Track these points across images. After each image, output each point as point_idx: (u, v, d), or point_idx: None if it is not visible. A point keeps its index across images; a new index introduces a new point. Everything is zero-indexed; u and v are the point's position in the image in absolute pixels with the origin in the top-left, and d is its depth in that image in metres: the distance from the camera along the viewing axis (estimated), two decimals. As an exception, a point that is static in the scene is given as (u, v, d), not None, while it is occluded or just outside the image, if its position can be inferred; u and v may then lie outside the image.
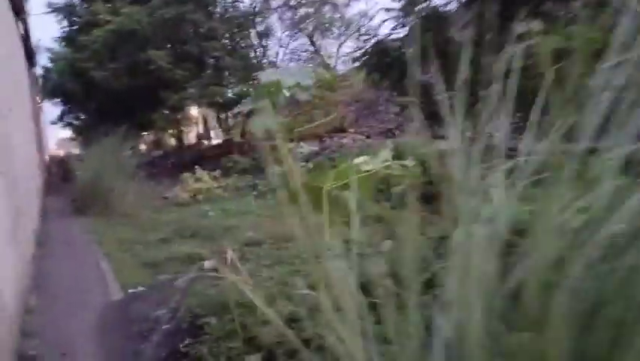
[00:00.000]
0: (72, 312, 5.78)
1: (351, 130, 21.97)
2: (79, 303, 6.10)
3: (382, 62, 10.06)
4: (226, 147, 26.68)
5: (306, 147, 17.15)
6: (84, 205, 14.29)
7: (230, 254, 4.19)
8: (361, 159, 3.35)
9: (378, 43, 10.15)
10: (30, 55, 16.69)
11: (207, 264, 6.69)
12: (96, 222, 12.29)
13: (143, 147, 36.48)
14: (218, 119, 28.11)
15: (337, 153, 15.60)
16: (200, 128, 33.24)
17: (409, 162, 3.12)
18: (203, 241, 9.38)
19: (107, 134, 15.44)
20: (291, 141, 19.84)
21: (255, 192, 15.75)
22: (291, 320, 3.80)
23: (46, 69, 29.99)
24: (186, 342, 4.13)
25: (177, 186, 19.51)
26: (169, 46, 20.98)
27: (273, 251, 7.33)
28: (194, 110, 32.89)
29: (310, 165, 15.33)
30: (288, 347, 3.40)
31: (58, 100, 30.13)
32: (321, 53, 23.16)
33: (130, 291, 6.52)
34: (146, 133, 36.88)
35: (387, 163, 3.20)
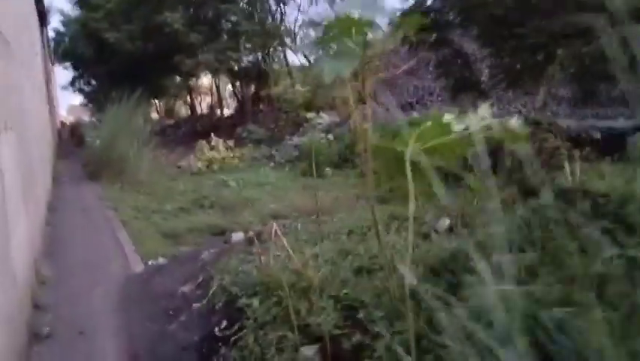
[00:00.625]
0: (89, 284, 5.29)
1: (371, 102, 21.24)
2: (96, 274, 5.61)
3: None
4: (240, 117, 26.09)
5: (326, 117, 16.49)
6: (97, 171, 13.80)
7: (274, 228, 3.62)
8: (448, 117, 2.76)
9: (417, 3, 9.46)
10: (41, 13, 16.03)
11: (235, 237, 6.16)
12: (110, 189, 11.80)
13: (154, 115, 35.98)
14: (233, 87, 27.36)
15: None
16: (214, 98, 32.54)
17: (516, 123, 2.54)
18: (223, 212, 8.88)
19: (119, 101, 14.85)
20: (308, 110, 19.23)
21: (272, 163, 15.22)
22: (351, 307, 3.29)
23: (58, 32, 29.35)
24: (223, 325, 3.62)
25: (191, 155, 19.00)
26: (184, 8, 20.16)
27: (305, 225, 6.77)
28: (207, 79, 32.20)
29: (330, 136, 14.77)
30: (349, 337, 2.89)
31: (69, 64, 29.57)
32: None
33: (151, 263, 6.03)
34: (157, 101, 36.36)
35: (486, 123, 2.62)
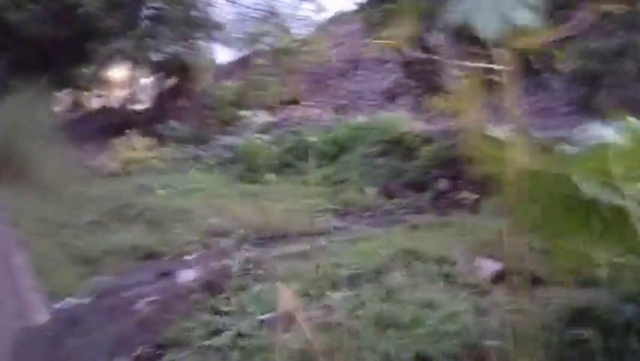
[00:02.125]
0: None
1: (303, 102, 19.99)
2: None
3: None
4: (158, 113, 23.95)
5: (262, 116, 15.07)
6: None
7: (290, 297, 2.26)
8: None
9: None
10: None
11: (184, 275, 4.69)
12: (7, 194, 9.75)
13: (59, 107, 32.72)
14: (153, 79, 25.13)
15: (302, 125, 13.66)
16: (127, 91, 30.03)
17: None
18: (150, 228, 7.28)
19: (21, 90, 12.66)
20: (238, 108, 17.70)
21: (199, 165, 13.56)
22: None
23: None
24: None
25: (103, 154, 16.92)
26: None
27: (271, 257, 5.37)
28: (119, 71, 29.59)
29: (267, 137, 13.35)
30: None
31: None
32: (278, 13, 20.96)
33: (60, 306, 4.43)
34: (61, 93, 33.13)
35: None
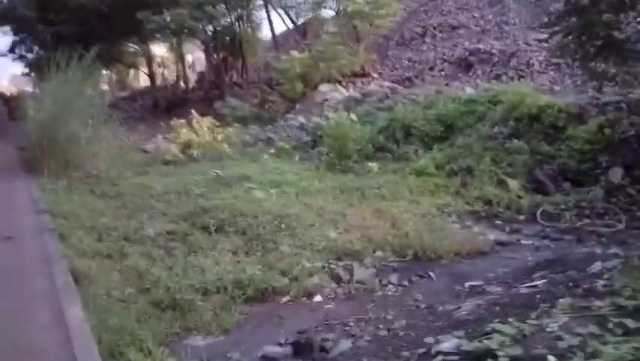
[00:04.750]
0: None
1: (375, 75, 17.80)
2: None
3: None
4: (211, 90, 22.16)
5: (343, 91, 13.02)
6: (36, 158, 9.97)
7: None
8: None
9: None
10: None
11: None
12: (53, 189, 8.08)
13: (105, 87, 31.36)
14: (207, 52, 23.26)
15: (389, 99, 11.59)
16: (176, 67, 28.36)
17: None
18: (246, 243, 5.37)
19: (66, 68, 10.87)
20: (305, 84, 15.67)
21: (272, 149, 11.63)
22: None
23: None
24: None
25: (158, 136, 15.23)
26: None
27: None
28: (169, 46, 27.84)
29: (352, 115, 11.27)
30: None
31: (9, 28, 24.83)
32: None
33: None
34: (108, 71, 31.75)
35: None
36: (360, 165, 9.09)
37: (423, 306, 3.79)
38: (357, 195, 7.23)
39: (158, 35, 21.88)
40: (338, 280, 4.42)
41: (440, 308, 3.65)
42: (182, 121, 12.73)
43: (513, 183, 6.82)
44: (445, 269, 4.60)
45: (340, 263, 4.74)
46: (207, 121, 12.36)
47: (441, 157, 8.40)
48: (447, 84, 16.87)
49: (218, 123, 12.81)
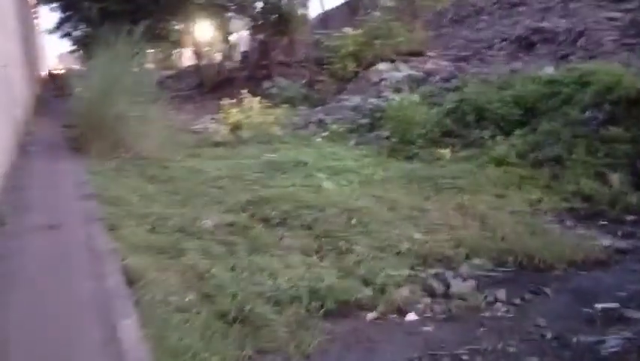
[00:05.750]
0: None
1: (431, 53, 16.79)
2: None
3: None
4: (260, 69, 21.53)
5: (404, 68, 12.18)
6: (83, 137, 9.58)
7: None
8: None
9: None
10: None
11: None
12: (101, 170, 7.62)
13: (151, 65, 31.10)
14: (253, 30, 22.63)
15: (457, 79, 10.72)
16: (223, 45, 27.81)
17: None
18: (315, 240, 4.73)
19: (114, 45, 10.39)
20: (358, 63, 14.85)
21: (324, 132, 10.94)
22: None
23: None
24: None
25: (207, 116, 14.71)
26: None
27: None
28: (213, 25, 27.29)
29: (415, 96, 10.49)
30: None
31: (56, 5, 24.69)
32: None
33: None
34: (153, 48, 31.45)
35: None
36: (427, 151, 8.31)
37: (550, 335, 3.06)
38: (430, 186, 6.48)
39: (204, 12, 21.41)
40: (432, 293, 3.72)
41: (574, 340, 2.92)
42: (232, 101, 12.17)
43: (615, 177, 5.93)
44: (559, 283, 3.83)
45: (430, 271, 4.03)
46: (256, 101, 11.73)
47: (522, 144, 7.52)
48: (508, 64, 15.84)
49: (263, 104, 12.20)
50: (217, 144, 10.71)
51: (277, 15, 21.25)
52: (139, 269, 3.86)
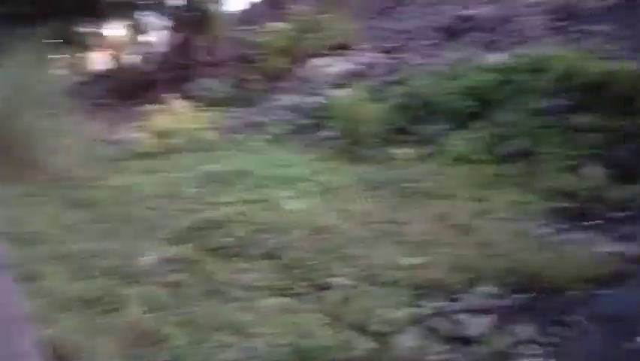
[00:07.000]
0: None
1: (363, 46, 16.26)
2: None
3: None
4: (177, 70, 20.29)
5: (342, 63, 11.54)
6: (-14, 158, 8.27)
7: None
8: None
9: None
10: None
11: None
12: (11, 200, 6.43)
13: (59, 70, 28.93)
14: (170, 30, 21.34)
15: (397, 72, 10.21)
16: (137, 47, 26.20)
17: None
18: (284, 272, 3.95)
19: (17, 48, 9.13)
20: (290, 59, 14.11)
21: (266, 136, 10.09)
22: None
23: None
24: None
25: (127, 125, 13.46)
26: None
27: None
28: (126, 27, 25.68)
29: (360, 92, 9.84)
30: None
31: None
32: None
33: None
34: (60, 52, 29.32)
35: None
36: (380, 150, 7.70)
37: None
38: (394, 192, 5.86)
39: (114, 12, 20.02)
40: (441, 336, 3.04)
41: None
42: (155, 106, 11.12)
43: (595, 170, 5.51)
44: (583, 308, 3.26)
45: (430, 305, 3.36)
46: (182, 105, 10.75)
47: (480, 139, 7.06)
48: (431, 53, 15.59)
49: (190, 107, 11.23)
50: (145, 156, 9.66)
51: (196, 12, 20.22)
52: (67, 341, 2.95)
